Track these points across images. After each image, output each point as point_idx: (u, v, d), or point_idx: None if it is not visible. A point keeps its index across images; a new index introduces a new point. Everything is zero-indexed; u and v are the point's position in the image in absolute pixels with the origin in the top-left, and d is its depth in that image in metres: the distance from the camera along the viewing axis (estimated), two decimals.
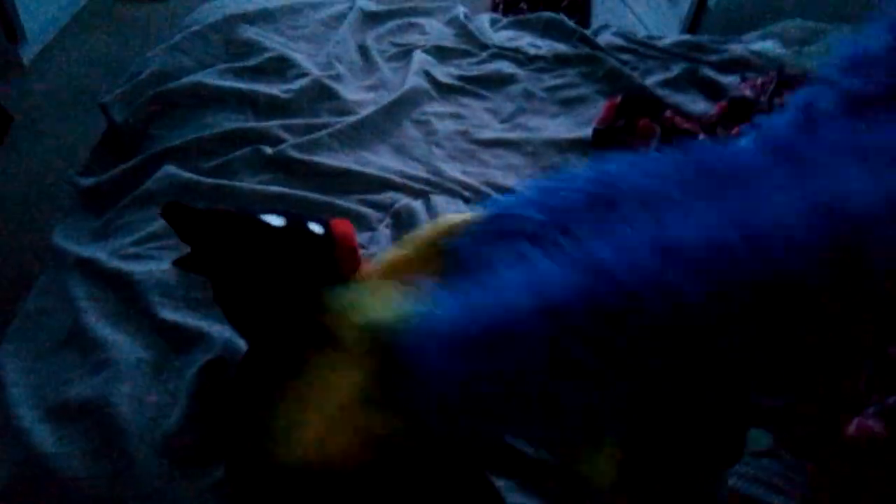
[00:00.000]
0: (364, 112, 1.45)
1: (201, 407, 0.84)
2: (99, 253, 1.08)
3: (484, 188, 1.29)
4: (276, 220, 0.70)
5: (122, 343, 0.91)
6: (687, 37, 2.00)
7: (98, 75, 2.89)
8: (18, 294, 1.80)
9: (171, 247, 1.10)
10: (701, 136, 1.34)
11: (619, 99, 1.45)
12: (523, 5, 3.38)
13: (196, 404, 0.84)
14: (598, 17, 3.33)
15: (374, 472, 0.66)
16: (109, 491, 0.76)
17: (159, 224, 1.12)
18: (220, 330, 0.92)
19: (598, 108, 1.57)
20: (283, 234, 0.70)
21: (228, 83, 1.42)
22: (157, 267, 1.01)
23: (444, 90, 1.60)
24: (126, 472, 0.77)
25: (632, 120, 1.39)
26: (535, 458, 0.82)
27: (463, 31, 1.88)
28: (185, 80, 1.40)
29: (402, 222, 1.17)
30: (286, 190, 1.18)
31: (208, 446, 0.80)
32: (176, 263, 0.73)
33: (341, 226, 0.72)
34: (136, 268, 1.01)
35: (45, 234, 2.00)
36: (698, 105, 1.58)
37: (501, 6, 3.39)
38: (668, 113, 1.40)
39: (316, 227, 0.71)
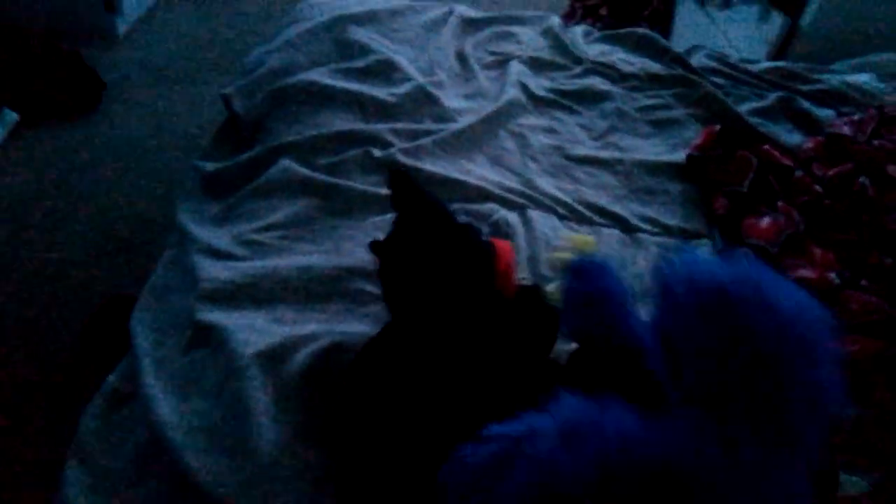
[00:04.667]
0: (463, 120, 1.51)
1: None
2: (222, 238, 1.17)
3: (577, 206, 1.33)
4: (458, 219, 0.85)
5: (238, 333, 0.94)
6: (781, 63, 1.99)
7: (186, 49, 3.02)
8: (110, 259, 1.92)
9: (288, 237, 1.18)
10: (799, 173, 1.35)
11: (717, 128, 1.46)
12: (603, 11, 3.38)
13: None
14: (680, 29, 3.31)
15: None
16: (225, 467, 0.79)
17: (278, 215, 1.20)
18: (329, 330, 0.98)
19: (691, 132, 1.59)
20: (465, 229, 0.79)
21: (339, 83, 1.49)
22: (277, 262, 1.08)
23: (540, 103, 1.64)
24: (241, 450, 0.81)
25: (729, 150, 1.41)
26: None
27: (557, 42, 1.91)
28: (300, 77, 1.48)
29: (501, 233, 1.23)
30: None
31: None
32: (372, 246, 0.85)
33: (502, 243, 0.81)
34: (257, 263, 1.08)
35: (134, 200, 2.15)
36: (792, 137, 1.59)
37: (580, 12, 3.40)
38: (765, 146, 1.41)
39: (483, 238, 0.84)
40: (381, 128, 1.40)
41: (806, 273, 1.12)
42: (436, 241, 0.81)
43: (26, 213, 2.11)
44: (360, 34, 1.68)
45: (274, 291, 1.05)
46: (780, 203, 1.29)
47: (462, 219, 0.87)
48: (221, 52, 3.02)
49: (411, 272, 0.82)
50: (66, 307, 1.80)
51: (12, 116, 2.52)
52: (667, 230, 1.30)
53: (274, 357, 0.91)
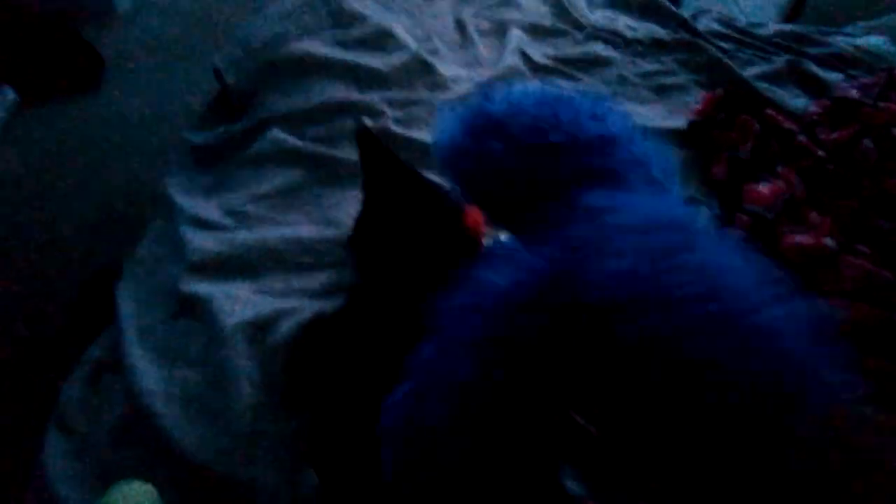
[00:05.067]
0: (459, 89, 1.48)
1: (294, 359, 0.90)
2: (209, 209, 1.17)
3: None
4: (429, 178, 0.84)
5: (224, 304, 0.95)
6: (789, 27, 1.92)
7: (186, 26, 3.00)
8: (106, 234, 1.93)
9: (276, 207, 1.17)
10: (801, 137, 1.31)
11: (720, 92, 1.43)
12: None
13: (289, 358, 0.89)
14: None
15: None
16: (205, 434, 0.80)
17: (266, 185, 1.20)
18: (314, 303, 0.97)
19: (693, 98, 1.55)
20: (434, 188, 0.78)
21: (333, 53, 1.47)
22: (265, 233, 1.08)
23: (539, 71, 1.61)
24: (222, 417, 0.82)
25: (731, 115, 1.37)
26: None
27: (559, 8, 1.86)
28: (293, 47, 1.46)
29: None
30: None
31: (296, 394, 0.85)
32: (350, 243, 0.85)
33: (473, 211, 0.80)
34: (245, 234, 1.08)
35: (132, 176, 2.16)
36: (798, 101, 1.54)
37: None
38: (768, 110, 1.37)
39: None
40: (374, 97, 1.38)
41: (802, 239, 1.09)
42: (406, 203, 0.80)
43: (26, 191, 2.13)
44: (355, 3, 1.65)
45: (261, 262, 1.05)
46: (780, 168, 1.26)
47: (431, 180, 0.85)
48: (222, 26, 2.99)
49: (382, 236, 0.81)
50: (65, 283, 1.81)
51: (12, 95, 2.53)
52: None
53: (258, 327, 0.91)
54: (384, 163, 0.81)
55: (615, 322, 0.50)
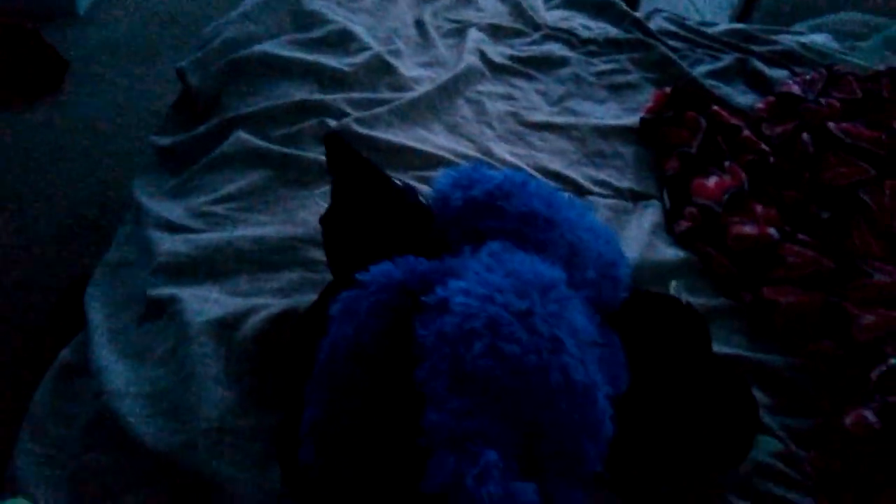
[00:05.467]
0: (420, 89, 1.51)
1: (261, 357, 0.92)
2: (177, 211, 1.18)
3: (532, 171, 1.35)
4: (397, 181, 0.87)
5: (192, 304, 0.95)
6: (739, 26, 2.01)
7: (149, 26, 2.98)
8: (77, 240, 1.92)
9: (242, 208, 1.19)
10: (746, 132, 1.38)
11: (668, 90, 1.49)
12: None
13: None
14: None
15: None
16: (169, 428, 0.82)
17: (232, 186, 1.21)
18: (279, 301, 0.99)
19: (646, 96, 1.61)
20: (402, 192, 0.82)
21: (295, 54, 1.49)
22: (232, 234, 1.10)
23: (497, 70, 1.65)
24: (187, 412, 0.83)
25: (680, 112, 1.43)
26: None
27: (516, 9, 1.91)
28: (255, 49, 1.47)
29: None
30: None
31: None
32: (322, 221, 0.89)
33: None
34: (212, 235, 1.10)
35: (100, 180, 2.14)
36: (746, 97, 1.62)
37: None
38: (715, 107, 1.44)
39: (423, 200, 0.87)
40: (337, 98, 1.40)
41: (747, 230, 1.16)
42: (374, 205, 0.83)
43: None
44: (316, 4, 1.67)
45: (228, 263, 1.06)
46: (727, 163, 1.32)
47: (400, 182, 0.89)
48: (185, 27, 2.98)
49: (352, 237, 0.84)
50: (33, 290, 1.80)
51: None
52: (618, 192, 1.33)
53: (225, 325, 0.93)
54: (352, 165, 0.84)
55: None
